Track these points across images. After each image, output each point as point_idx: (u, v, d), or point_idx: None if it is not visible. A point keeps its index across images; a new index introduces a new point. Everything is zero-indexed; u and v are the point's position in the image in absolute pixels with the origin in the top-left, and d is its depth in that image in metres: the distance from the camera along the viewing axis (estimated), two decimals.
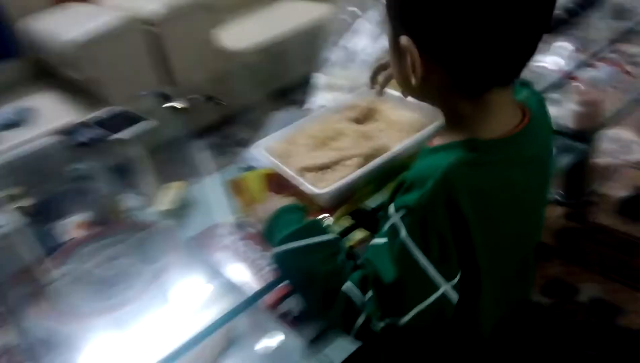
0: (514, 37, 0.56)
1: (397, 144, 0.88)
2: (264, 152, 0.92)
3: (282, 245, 0.70)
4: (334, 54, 1.30)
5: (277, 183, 0.92)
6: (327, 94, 1.20)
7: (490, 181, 0.62)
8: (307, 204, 0.83)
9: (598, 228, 1.47)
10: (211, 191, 1.22)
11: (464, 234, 0.60)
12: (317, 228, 0.71)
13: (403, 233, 0.58)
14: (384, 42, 1.19)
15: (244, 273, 0.87)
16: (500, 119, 0.63)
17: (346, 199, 0.83)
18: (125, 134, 1.36)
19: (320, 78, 1.27)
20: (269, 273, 0.82)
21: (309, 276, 0.68)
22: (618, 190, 1.59)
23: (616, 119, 1.52)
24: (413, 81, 0.60)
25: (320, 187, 0.82)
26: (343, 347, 0.82)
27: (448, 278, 0.60)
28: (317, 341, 0.83)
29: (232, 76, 2.43)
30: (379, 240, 0.63)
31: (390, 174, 0.85)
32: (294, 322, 0.84)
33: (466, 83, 0.60)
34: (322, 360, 0.82)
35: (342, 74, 1.23)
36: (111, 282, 0.95)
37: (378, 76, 0.94)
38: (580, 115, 1.38)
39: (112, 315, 0.87)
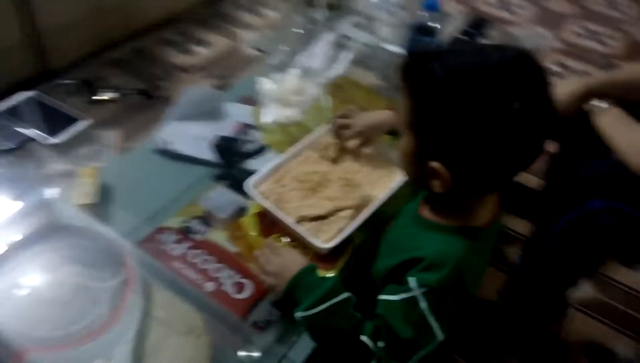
0: (526, 162, 0.73)
1: (378, 193, 1.04)
2: (260, 196, 0.99)
3: (311, 309, 0.81)
4: (278, 60, 1.31)
5: (267, 221, 1.00)
6: (278, 109, 1.23)
7: (482, 262, 0.84)
8: (301, 248, 0.96)
9: None
10: (128, 178, 1.08)
11: (463, 296, 0.80)
12: (338, 289, 0.83)
13: (424, 305, 0.75)
14: (337, 68, 1.25)
15: (207, 287, 0.89)
16: (489, 209, 0.82)
17: (342, 248, 0.97)
18: (62, 137, 1.20)
19: (265, 84, 1.29)
20: (231, 284, 0.90)
21: (335, 333, 0.82)
22: None
23: None
24: (437, 190, 0.74)
25: (322, 238, 0.95)
26: (303, 347, 0.95)
27: (446, 330, 0.78)
28: (280, 343, 0.95)
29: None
30: (389, 297, 0.78)
31: (374, 220, 1.01)
32: (262, 328, 0.93)
33: (480, 191, 0.77)
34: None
35: (290, 87, 1.26)
36: (64, 303, 0.82)
37: (342, 133, 1.11)
38: None
39: (76, 349, 0.76)
